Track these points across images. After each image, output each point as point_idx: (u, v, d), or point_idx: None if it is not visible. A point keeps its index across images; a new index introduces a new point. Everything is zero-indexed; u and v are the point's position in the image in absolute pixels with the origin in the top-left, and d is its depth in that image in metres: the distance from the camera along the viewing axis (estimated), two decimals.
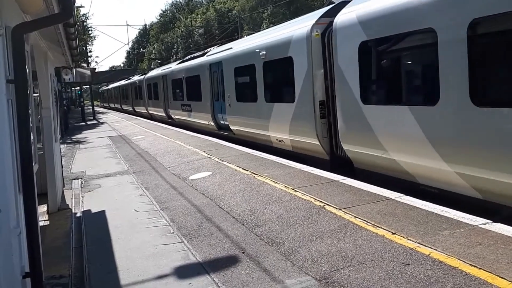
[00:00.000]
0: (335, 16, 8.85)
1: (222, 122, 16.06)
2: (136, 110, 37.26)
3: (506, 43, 5.63)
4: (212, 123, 16.98)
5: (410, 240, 5.00)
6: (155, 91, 27.86)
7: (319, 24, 9.68)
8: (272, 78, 12.08)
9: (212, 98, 16.65)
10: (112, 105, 59.01)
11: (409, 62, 7.60)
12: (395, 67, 7.77)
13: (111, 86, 60.01)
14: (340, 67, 8.61)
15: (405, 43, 7.26)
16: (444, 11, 6.15)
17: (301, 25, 10.29)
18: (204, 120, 17.99)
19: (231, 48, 15.07)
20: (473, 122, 5.88)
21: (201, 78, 17.59)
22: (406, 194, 6.71)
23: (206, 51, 19.13)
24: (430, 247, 4.73)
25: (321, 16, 9.79)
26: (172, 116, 23.96)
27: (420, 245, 4.82)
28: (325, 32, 9.43)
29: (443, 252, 4.57)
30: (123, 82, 45.32)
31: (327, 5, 10.14)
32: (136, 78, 37.22)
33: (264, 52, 11.92)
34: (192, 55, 21.67)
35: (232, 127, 14.97)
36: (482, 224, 5.22)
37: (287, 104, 10.94)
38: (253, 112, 12.96)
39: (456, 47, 6.01)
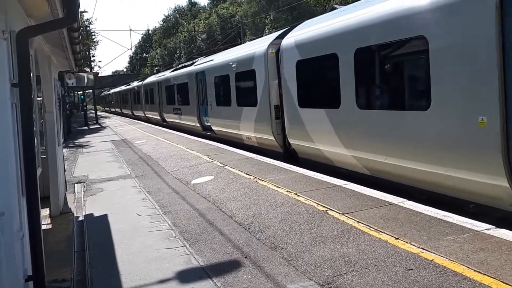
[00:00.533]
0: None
1: (206, 123, 18.46)
2: (135, 113, 39.51)
3: (370, 68, 8.20)
4: (198, 125, 19.44)
5: (414, 245, 4.98)
6: (151, 96, 30.30)
7: (274, 44, 12.06)
8: (242, 86, 14.33)
9: (198, 102, 19.07)
10: (113, 109, 61.47)
11: (324, 77, 9.90)
12: (317, 80, 10.24)
13: (112, 91, 62.86)
14: (286, 79, 11.13)
15: (321, 63, 9.66)
16: (341, 42, 8.71)
17: (261, 44, 12.86)
18: (192, 122, 20.39)
19: (213, 60, 17.60)
20: (358, 119, 8.35)
21: (189, 85, 20.08)
22: (409, 199, 6.69)
23: (194, 61, 21.83)
24: (433, 253, 4.71)
25: (276, 38, 12.23)
26: (166, 119, 26.41)
27: (424, 250, 4.80)
28: (278, 51, 11.66)
29: (446, 258, 4.54)
30: (123, 87, 47.60)
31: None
32: (135, 84, 39.51)
33: (236, 65, 14.38)
34: (183, 64, 25.39)
35: (213, 128, 17.40)
36: (486, 229, 5.20)
37: (252, 108, 13.21)
38: (228, 114, 15.31)
39: (349, 68, 8.41)
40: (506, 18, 5.45)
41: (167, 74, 26.38)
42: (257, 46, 13.26)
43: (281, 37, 11.76)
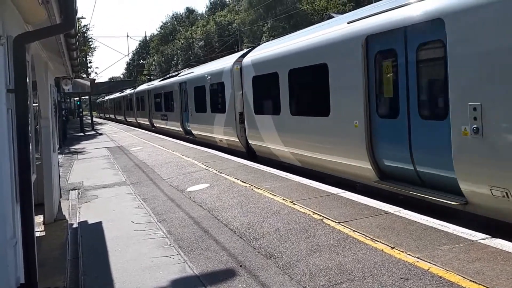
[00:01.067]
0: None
1: (188, 128, 20.95)
2: (128, 119, 41.74)
3: (298, 84, 10.86)
4: (181, 129, 22.24)
5: (409, 254, 4.97)
6: (142, 103, 32.86)
7: (238, 62, 14.48)
8: (214, 95, 16.78)
9: (181, 109, 21.80)
10: (107, 115, 63.31)
11: (271, 90, 11.88)
12: (265, 92, 12.59)
13: (106, 98, 65.44)
14: (245, 91, 13.79)
15: (268, 79, 12.06)
16: (281, 65, 11.27)
17: (229, 61, 15.48)
18: (176, 127, 23.15)
19: (193, 72, 20.24)
20: (292, 123, 10.96)
21: (174, 94, 22.81)
22: (405, 208, 6.69)
23: (179, 72, 25.41)
24: (429, 262, 4.70)
25: (240, 56, 14.82)
26: (154, 124, 29.01)
27: (419, 260, 4.79)
28: (241, 67, 14.22)
29: (442, 267, 4.54)
30: (117, 94, 50.27)
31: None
32: (128, 91, 41.43)
33: (210, 77, 17.01)
34: (170, 75, 28.52)
35: (193, 132, 19.96)
36: (482, 239, 5.20)
37: (222, 114, 15.74)
38: (204, 120, 17.84)
39: (285, 84, 11.07)
40: (369, 60, 8.07)
41: (156, 83, 29.17)
42: (226, 62, 15.90)
43: (244, 56, 14.45)
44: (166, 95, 24.78)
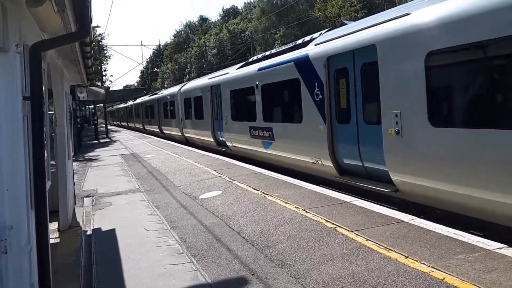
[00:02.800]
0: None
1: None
2: (136, 125, 45.28)
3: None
4: (180, 133, 25.42)
5: (424, 264, 4.90)
6: (151, 111, 35.31)
7: (180, 89, 20.94)
8: (193, 106, 21.25)
9: (180, 116, 24.75)
10: (117, 122, 66.94)
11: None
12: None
13: (115, 107, 70.20)
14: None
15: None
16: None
17: (177, 88, 20.62)
18: (174, 131, 27.03)
19: (186, 84, 23.52)
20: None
21: (175, 104, 25.74)
22: (419, 217, 6.61)
23: (183, 84, 27.35)
24: (444, 272, 4.63)
25: (181, 87, 19.82)
26: (164, 131, 31.15)
27: (434, 269, 4.72)
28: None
29: (457, 277, 4.46)
30: (130, 102, 52.55)
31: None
32: (139, 100, 44.41)
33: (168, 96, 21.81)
34: (170, 88, 33.31)
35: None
36: (498, 248, 5.11)
37: (201, 120, 20.00)
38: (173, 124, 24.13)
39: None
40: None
41: (165, 92, 31.69)
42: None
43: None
44: (167, 104, 28.05)
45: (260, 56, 15.50)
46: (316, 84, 10.10)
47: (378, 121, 8.04)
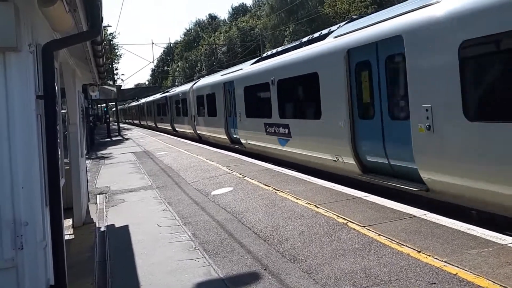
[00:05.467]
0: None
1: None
2: (148, 123, 46.09)
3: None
4: (192, 131, 25.37)
5: (436, 258, 4.88)
6: (163, 109, 35.68)
7: (192, 87, 20.52)
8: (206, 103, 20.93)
9: (192, 114, 24.96)
10: (129, 120, 68.15)
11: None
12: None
13: (127, 105, 71.51)
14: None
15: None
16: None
17: (188, 86, 20.62)
18: (186, 129, 27.19)
19: (198, 81, 23.47)
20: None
21: (187, 101, 25.66)
22: (431, 212, 6.57)
23: (195, 81, 27.27)
24: (457, 266, 4.60)
25: (193, 84, 20.05)
26: (176, 128, 31.43)
27: (447, 264, 4.69)
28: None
29: (471, 272, 4.43)
30: (141, 100, 52.64)
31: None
32: (151, 98, 44.65)
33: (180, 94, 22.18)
34: (182, 85, 34.26)
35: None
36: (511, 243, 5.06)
37: (214, 117, 19.91)
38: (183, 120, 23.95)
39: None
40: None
41: (177, 89, 31.77)
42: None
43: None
44: (178, 102, 28.82)
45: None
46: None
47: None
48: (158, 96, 40.47)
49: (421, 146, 7.33)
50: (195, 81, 26.64)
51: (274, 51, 15.08)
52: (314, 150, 11.11)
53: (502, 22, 5.77)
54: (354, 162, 9.35)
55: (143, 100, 50.22)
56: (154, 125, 41.83)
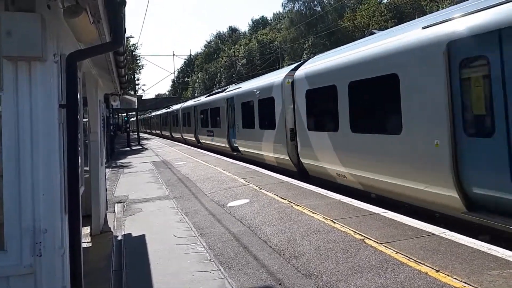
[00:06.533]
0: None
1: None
2: (163, 133, 49.36)
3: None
4: (194, 138, 29.80)
5: (455, 279, 4.76)
6: (176, 120, 39.39)
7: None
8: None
9: (195, 125, 29.20)
10: (146, 130, 71.99)
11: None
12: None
13: (142, 116, 75.64)
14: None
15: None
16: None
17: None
18: (191, 136, 31.24)
19: (240, 87, 20.57)
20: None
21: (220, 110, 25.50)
22: (450, 230, 6.44)
23: (225, 88, 27.37)
24: (477, 287, 4.49)
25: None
26: (184, 137, 34.81)
27: (466, 285, 4.58)
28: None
29: None
30: (158, 112, 57.02)
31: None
32: (164, 110, 48.95)
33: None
34: (195, 99, 35.72)
35: (240, 149, 21.20)
36: None
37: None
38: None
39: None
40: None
41: (189, 103, 35.14)
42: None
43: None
44: (187, 114, 32.30)
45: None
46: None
47: None
48: (186, 104, 37.28)
49: None
50: (236, 87, 22.24)
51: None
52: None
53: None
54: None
55: (176, 106, 44.48)
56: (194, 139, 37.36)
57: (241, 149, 19.06)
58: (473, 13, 6.79)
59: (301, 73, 12.87)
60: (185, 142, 34.98)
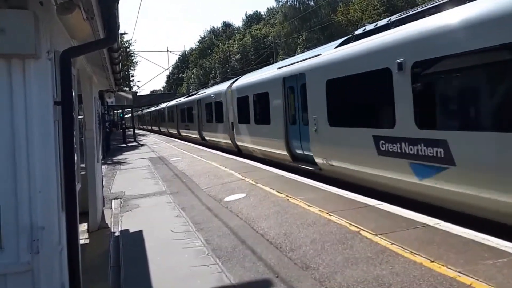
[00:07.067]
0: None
1: (203, 135, 26.73)
2: (161, 129, 49.15)
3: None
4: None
5: (450, 268, 4.82)
6: (171, 116, 39.93)
7: (229, 87, 20.37)
8: (216, 110, 22.93)
9: (199, 121, 28.14)
10: (144, 127, 71.02)
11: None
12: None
13: (135, 113, 75.22)
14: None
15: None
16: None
17: (225, 86, 21.72)
18: (193, 134, 30.06)
19: (205, 92, 27.47)
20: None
21: (193, 109, 29.21)
22: (445, 221, 6.50)
23: (197, 92, 33.77)
24: (471, 277, 4.55)
25: (232, 83, 20.48)
26: (181, 133, 35.37)
27: (461, 274, 4.64)
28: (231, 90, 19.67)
29: (485, 283, 4.38)
30: (152, 108, 58.08)
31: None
32: (161, 106, 48.79)
33: (214, 96, 23.05)
34: (185, 96, 39.11)
35: (206, 138, 26.50)
36: None
37: (221, 124, 22.08)
38: (213, 128, 23.94)
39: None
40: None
41: (182, 100, 36.20)
42: (223, 86, 22.20)
43: (233, 83, 20.23)
44: (183, 110, 33.47)
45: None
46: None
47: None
48: (181, 100, 37.09)
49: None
50: (233, 80, 21.41)
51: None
52: None
53: None
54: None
55: (163, 105, 47.14)
56: (176, 132, 38.01)
57: (207, 138, 25.89)
58: (291, 64, 12.96)
59: (234, 86, 19.54)
60: (171, 135, 40.62)
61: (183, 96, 44.54)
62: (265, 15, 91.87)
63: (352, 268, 5.17)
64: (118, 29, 4.51)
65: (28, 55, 3.42)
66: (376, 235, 6.19)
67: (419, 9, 8.68)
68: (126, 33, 49.80)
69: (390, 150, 8.39)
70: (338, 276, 5.02)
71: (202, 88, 47.93)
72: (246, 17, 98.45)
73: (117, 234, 8.01)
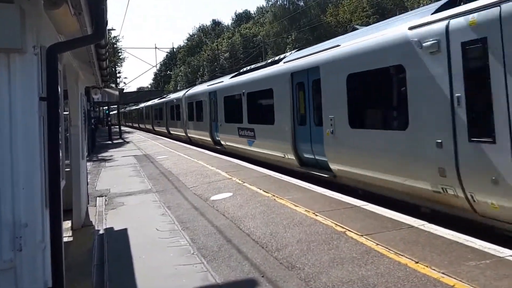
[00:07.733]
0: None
1: (188, 134, 27.40)
2: (146, 126, 49.21)
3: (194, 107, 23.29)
4: (166, 130, 34.52)
5: (434, 269, 4.88)
6: (160, 114, 39.23)
7: (184, 94, 27.08)
8: (192, 110, 25.18)
9: (184, 119, 28.85)
10: (129, 123, 70.52)
11: (199, 110, 22.52)
12: (198, 112, 22.91)
13: (122, 110, 75.55)
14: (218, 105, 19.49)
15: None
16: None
17: (182, 93, 28.23)
18: (180, 132, 30.45)
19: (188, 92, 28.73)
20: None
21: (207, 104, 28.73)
22: (429, 222, 6.57)
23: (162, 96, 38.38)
24: (454, 278, 4.60)
25: (186, 91, 25.96)
26: (170, 131, 34.90)
27: (444, 275, 4.69)
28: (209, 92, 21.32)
29: (468, 284, 4.43)
30: (139, 105, 57.92)
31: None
32: (149, 103, 48.39)
33: (199, 97, 24.21)
34: (164, 96, 40.89)
35: (190, 136, 27.11)
36: (510, 255, 5.06)
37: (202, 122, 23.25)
38: (199, 127, 23.79)
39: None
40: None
41: (173, 96, 36.14)
42: (209, 88, 21.59)
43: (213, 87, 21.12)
44: (172, 107, 33.76)
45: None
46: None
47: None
48: (156, 101, 43.22)
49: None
50: (213, 82, 22.88)
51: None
52: None
53: None
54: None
55: (142, 105, 51.78)
56: (151, 128, 44.80)
57: (190, 135, 26.97)
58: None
59: (186, 94, 26.04)
60: (156, 132, 41.96)
61: (158, 97, 47.96)
62: (254, 14, 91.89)
63: (338, 269, 5.19)
64: (106, 25, 4.47)
65: (13, 50, 3.37)
66: (362, 235, 6.23)
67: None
68: (114, 29, 49.46)
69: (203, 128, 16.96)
70: (324, 276, 5.04)
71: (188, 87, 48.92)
72: (236, 15, 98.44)
73: (101, 232, 7.93)
